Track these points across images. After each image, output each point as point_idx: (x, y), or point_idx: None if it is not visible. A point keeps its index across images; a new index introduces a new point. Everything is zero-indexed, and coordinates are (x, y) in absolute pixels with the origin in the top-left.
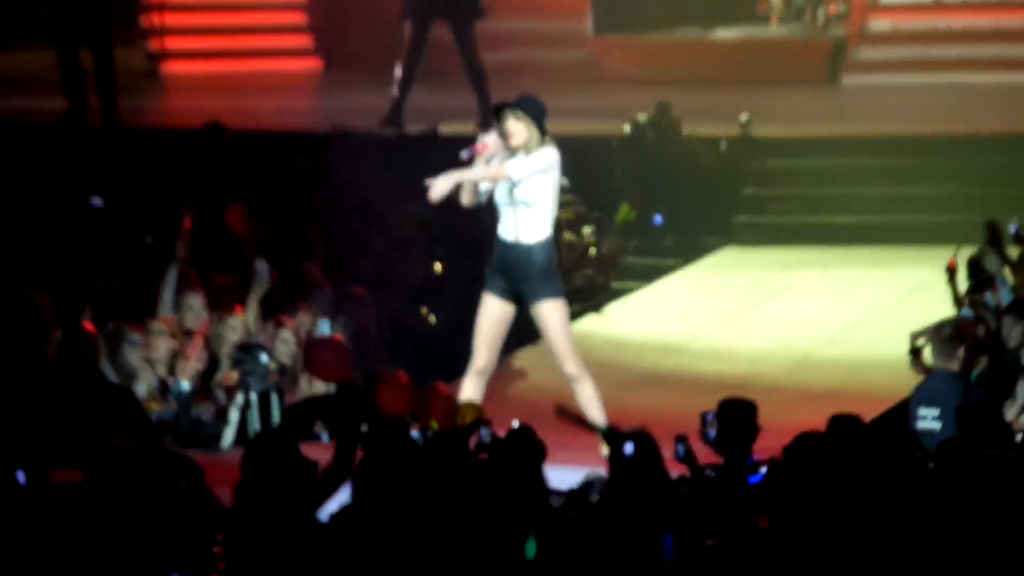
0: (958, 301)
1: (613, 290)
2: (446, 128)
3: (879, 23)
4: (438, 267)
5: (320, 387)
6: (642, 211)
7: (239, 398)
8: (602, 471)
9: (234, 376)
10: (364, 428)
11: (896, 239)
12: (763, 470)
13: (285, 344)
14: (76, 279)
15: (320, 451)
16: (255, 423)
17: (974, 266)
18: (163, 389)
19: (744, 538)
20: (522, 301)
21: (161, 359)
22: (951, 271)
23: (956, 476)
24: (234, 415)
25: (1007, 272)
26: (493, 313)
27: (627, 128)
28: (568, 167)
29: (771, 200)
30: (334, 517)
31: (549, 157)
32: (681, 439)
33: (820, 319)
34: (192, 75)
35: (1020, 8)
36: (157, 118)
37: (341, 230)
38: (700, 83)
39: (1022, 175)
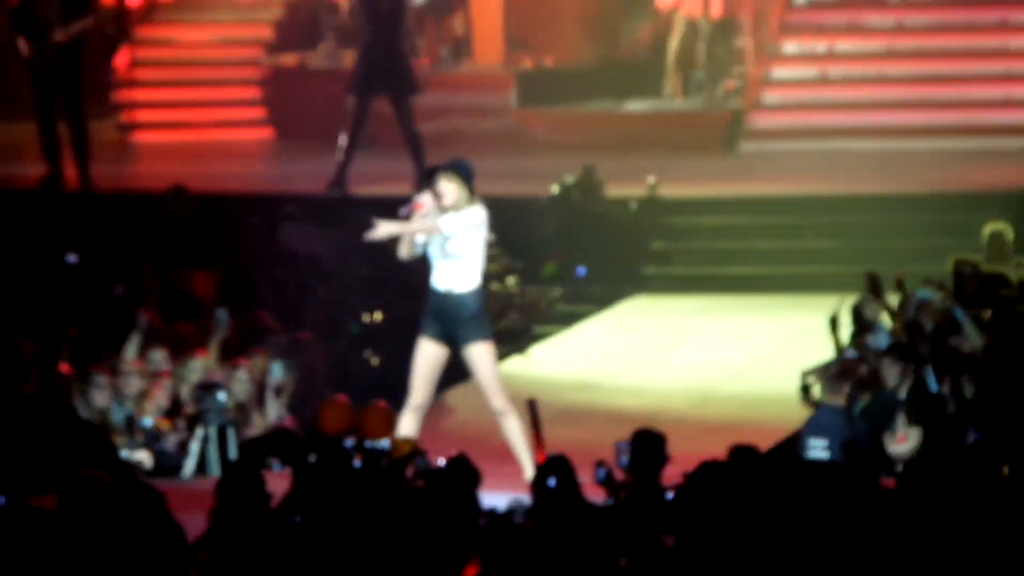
0: (839, 344)
1: (536, 334)
2: (386, 190)
3: (771, 96)
4: (378, 315)
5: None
6: (566, 264)
7: (199, 432)
8: (525, 497)
9: (191, 411)
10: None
11: (787, 288)
12: (670, 495)
13: (241, 383)
14: (53, 326)
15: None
16: (213, 455)
17: (856, 312)
18: (130, 424)
19: (653, 556)
20: (454, 344)
21: (131, 396)
22: (833, 319)
23: (845, 500)
24: (195, 447)
25: (885, 317)
26: (428, 355)
27: (555, 188)
28: (495, 224)
29: (676, 253)
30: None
31: (477, 215)
32: (601, 464)
33: (720, 359)
34: (159, 144)
35: (895, 83)
36: (127, 182)
37: (291, 282)
38: (613, 150)
39: (897, 231)
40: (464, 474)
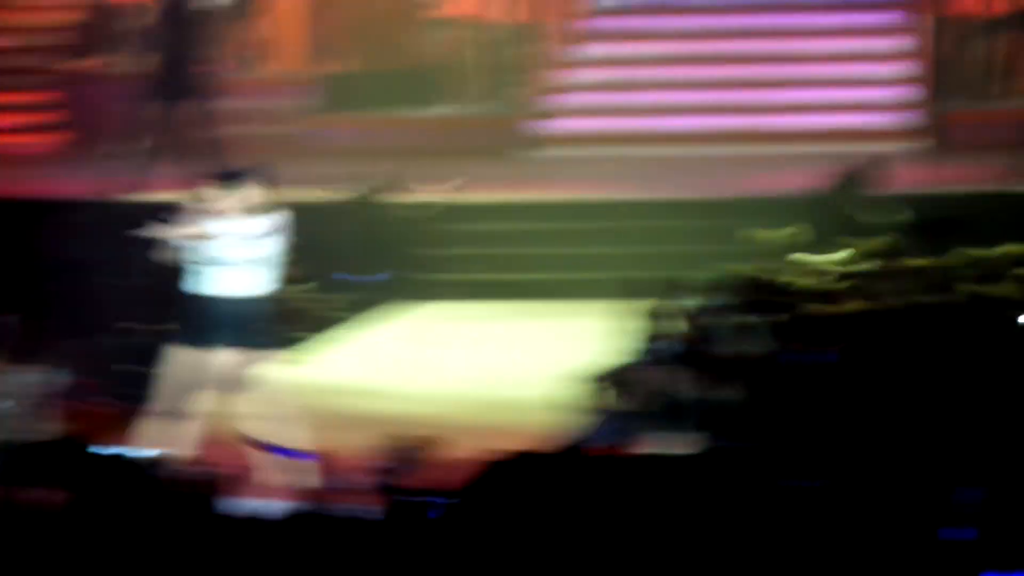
0: (628, 349)
1: (325, 340)
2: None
3: (569, 101)
4: (148, 324)
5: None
6: (364, 270)
7: None
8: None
9: None
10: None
11: (580, 294)
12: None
13: (21, 392)
14: None
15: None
16: None
17: (644, 318)
18: None
19: (432, 564)
20: (237, 349)
21: None
22: (631, 321)
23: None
24: None
25: (673, 323)
26: (199, 362)
27: (357, 194)
28: (295, 228)
29: (472, 259)
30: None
31: (277, 220)
32: (384, 469)
33: (511, 366)
34: None
35: (689, 88)
36: None
37: (71, 290)
38: (414, 155)
39: (689, 236)
40: (217, 482)
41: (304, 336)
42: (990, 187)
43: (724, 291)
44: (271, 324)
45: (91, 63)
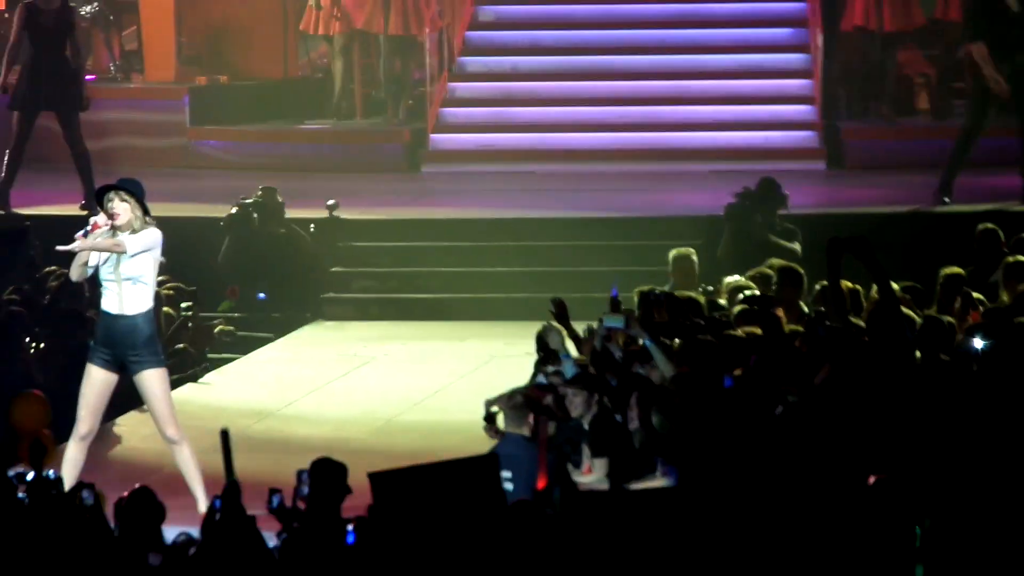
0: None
1: (211, 360)
2: (53, 210)
3: (453, 115)
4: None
5: None
6: (244, 288)
7: None
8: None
9: None
10: None
11: (470, 314)
12: (351, 528)
13: None
14: None
15: None
16: None
17: (540, 340)
18: None
19: None
20: (125, 369)
21: None
22: (538, 343)
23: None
24: None
25: (570, 345)
26: (96, 382)
27: (234, 210)
28: (170, 245)
29: (356, 277)
30: None
31: (152, 235)
32: (275, 492)
33: (402, 387)
34: None
35: (582, 102)
36: None
37: None
38: (292, 170)
39: (580, 255)
40: (148, 507)
41: (190, 356)
42: (880, 208)
43: (621, 312)
44: (154, 343)
45: None
